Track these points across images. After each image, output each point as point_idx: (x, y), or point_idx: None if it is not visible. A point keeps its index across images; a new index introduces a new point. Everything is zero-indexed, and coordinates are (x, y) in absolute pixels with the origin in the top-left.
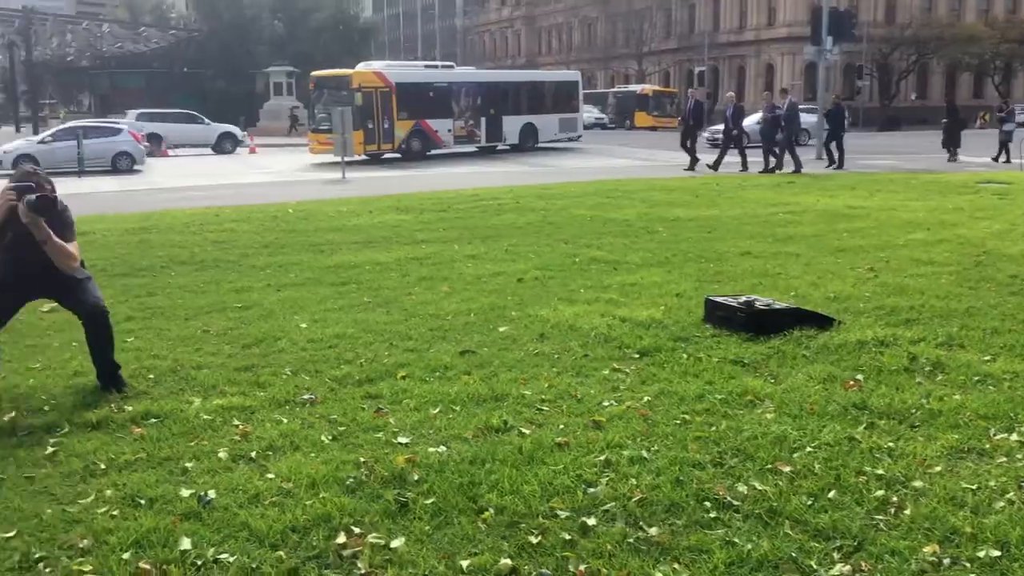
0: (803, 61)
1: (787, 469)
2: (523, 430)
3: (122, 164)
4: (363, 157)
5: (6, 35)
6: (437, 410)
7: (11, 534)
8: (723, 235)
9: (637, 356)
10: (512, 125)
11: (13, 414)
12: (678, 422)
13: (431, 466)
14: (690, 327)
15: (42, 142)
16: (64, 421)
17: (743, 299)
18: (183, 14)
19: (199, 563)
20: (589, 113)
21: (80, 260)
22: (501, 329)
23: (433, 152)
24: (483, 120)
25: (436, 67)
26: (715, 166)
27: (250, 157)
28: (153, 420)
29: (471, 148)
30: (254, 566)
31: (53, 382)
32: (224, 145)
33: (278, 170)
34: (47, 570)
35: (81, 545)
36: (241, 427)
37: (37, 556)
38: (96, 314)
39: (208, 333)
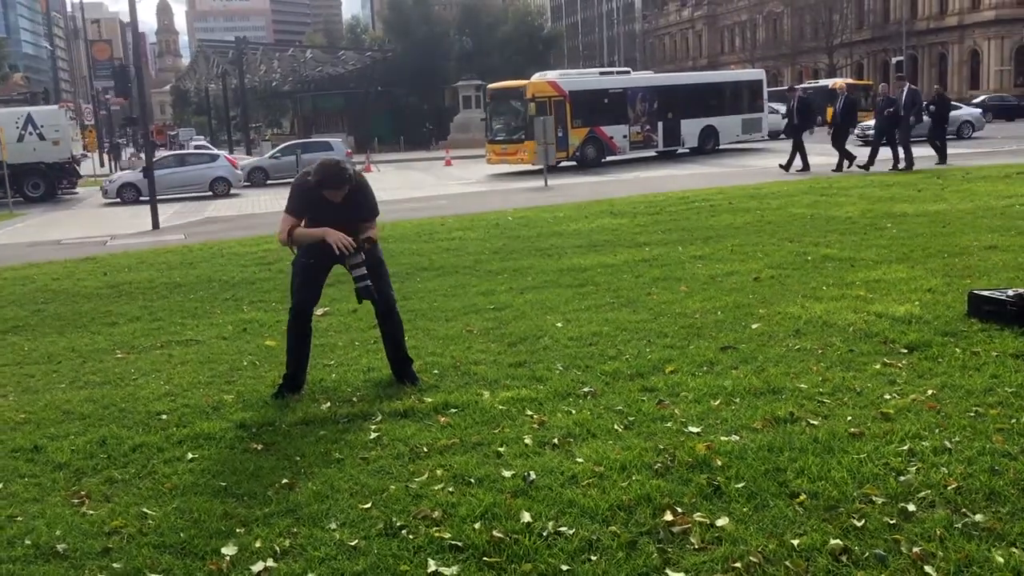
0: (1012, 46)
1: None
2: (811, 421)
3: (219, 188)
4: (537, 166)
5: (221, 65)
6: (718, 402)
7: (368, 505)
8: (960, 229)
9: (905, 351)
10: (691, 128)
11: (328, 404)
12: (972, 415)
13: (731, 453)
14: (954, 322)
15: (141, 170)
16: (376, 410)
17: (1012, 292)
18: (376, 36)
19: (544, 534)
20: (777, 112)
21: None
22: (754, 326)
23: (609, 159)
24: (660, 124)
25: (611, 73)
26: (839, 167)
27: (445, 169)
28: (453, 410)
29: (650, 153)
30: (594, 539)
31: (352, 376)
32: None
33: (476, 180)
34: (410, 536)
35: (434, 516)
36: (536, 417)
37: (399, 524)
38: (386, 299)
39: (472, 333)
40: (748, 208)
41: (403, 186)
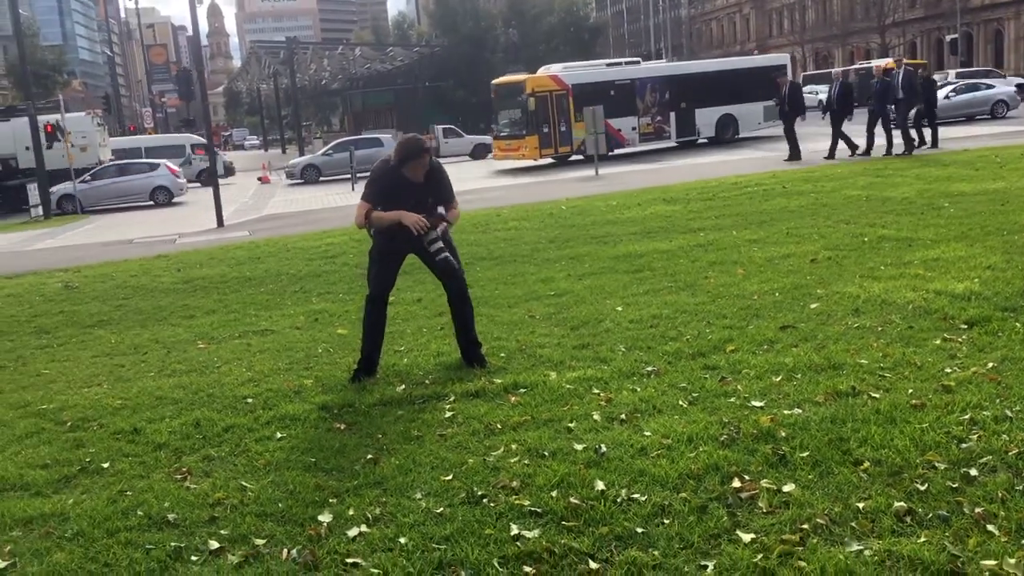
0: None
1: None
2: (872, 394)
3: (159, 198)
4: (541, 161)
5: (272, 65)
6: (779, 378)
7: (449, 477)
8: (1019, 207)
9: (965, 327)
10: (707, 118)
11: (403, 386)
12: None
13: (794, 424)
14: (1014, 297)
15: (83, 182)
16: (448, 392)
17: None
18: (422, 32)
19: (618, 500)
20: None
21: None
22: (812, 306)
23: (618, 151)
24: (672, 115)
25: (619, 64)
26: (835, 152)
27: (495, 162)
28: (522, 390)
29: (663, 144)
30: (665, 504)
31: (424, 360)
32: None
33: (524, 171)
34: (491, 504)
35: (512, 485)
36: (602, 395)
37: (480, 494)
38: (459, 283)
39: (534, 318)
40: (802, 191)
41: (454, 179)
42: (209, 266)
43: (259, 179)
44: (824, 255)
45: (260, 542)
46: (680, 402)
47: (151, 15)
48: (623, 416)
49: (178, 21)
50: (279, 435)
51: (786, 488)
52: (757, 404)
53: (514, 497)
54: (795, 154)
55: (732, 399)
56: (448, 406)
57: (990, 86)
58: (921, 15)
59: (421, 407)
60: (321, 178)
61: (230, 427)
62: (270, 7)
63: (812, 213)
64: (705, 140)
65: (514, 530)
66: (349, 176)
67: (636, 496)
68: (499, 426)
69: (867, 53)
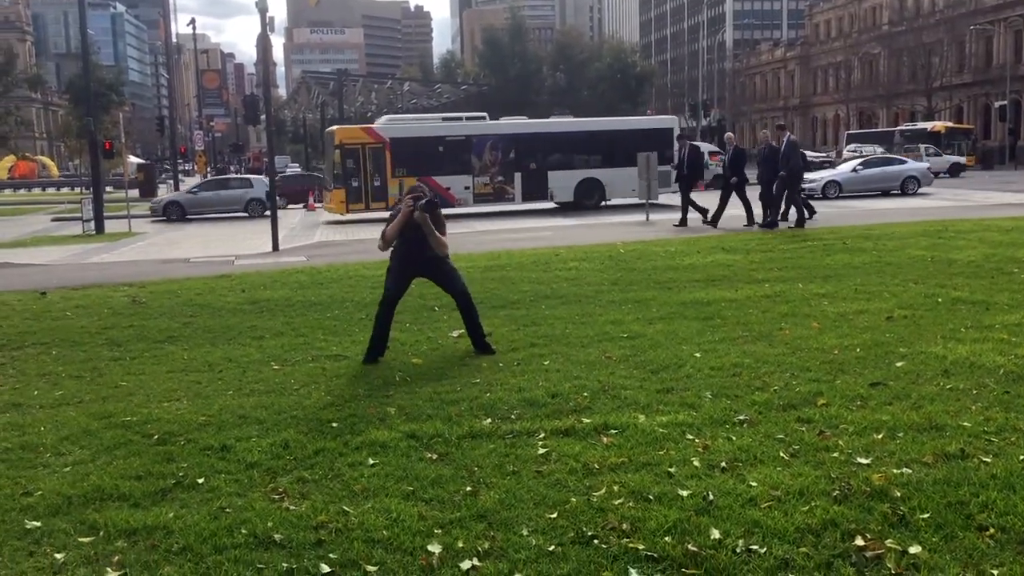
0: None
1: None
2: (983, 458)
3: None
4: (349, 216)
5: (321, 95)
6: (881, 435)
7: (554, 515)
8: None
9: None
10: (563, 181)
11: (489, 420)
12: None
13: (908, 484)
14: None
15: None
16: (537, 428)
17: None
18: (469, 70)
19: (736, 550)
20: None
21: (447, 251)
22: (898, 364)
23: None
24: (517, 175)
25: (459, 119)
26: (714, 220)
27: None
28: (614, 431)
29: (508, 207)
30: (787, 558)
31: (506, 395)
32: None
33: (567, 213)
34: (603, 545)
35: (622, 527)
36: (698, 441)
37: (590, 534)
38: (463, 294)
39: (612, 359)
40: (864, 248)
41: (499, 216)
42: (272, 288)
43: (304, 206)
44: (899, 313)
45: (372, 568)
46: (781, 454)
47: (202, 41)
48: (723, 464)
49: (227, 48)
50: (371, 461)
51: (912, 549)
52: (863, 461)
53: (626, 540)
54: (684, 220)
55: (835, 454)
56: (540, 443)
57: (902, 161)
58: (969, 80)
59: (512, 442)
60: (187, 216)
61: (320, 450)
62: (318, 39)
63: (878, 271)
64: (567, 204)
65: (633, 574)
66: (217, 216)
67: (755, 547)
68: (597, 466)
69: (912, 115)
